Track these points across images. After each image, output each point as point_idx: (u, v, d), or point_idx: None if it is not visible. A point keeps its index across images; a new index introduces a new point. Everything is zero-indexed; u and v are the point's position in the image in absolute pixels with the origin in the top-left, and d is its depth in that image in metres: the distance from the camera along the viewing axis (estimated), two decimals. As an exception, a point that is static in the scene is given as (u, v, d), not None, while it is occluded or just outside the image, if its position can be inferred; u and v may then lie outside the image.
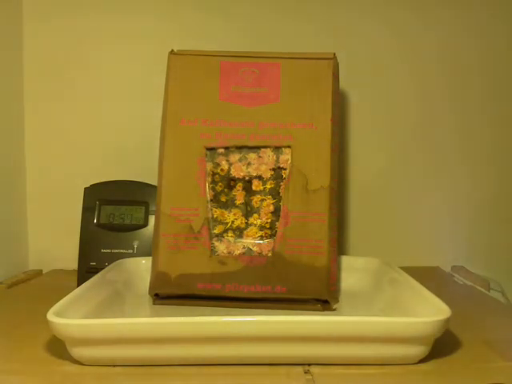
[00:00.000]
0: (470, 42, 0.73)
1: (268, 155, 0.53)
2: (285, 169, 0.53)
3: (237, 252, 0.52)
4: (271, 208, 0.52)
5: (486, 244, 0.74)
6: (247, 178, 0.53)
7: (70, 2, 0.72)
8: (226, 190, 0.53)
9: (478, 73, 0.73)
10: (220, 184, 0.53)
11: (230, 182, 0.53)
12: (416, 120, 0.74)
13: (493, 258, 0.74)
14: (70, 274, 0.67)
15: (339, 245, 0.57)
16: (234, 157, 0.53)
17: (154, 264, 0.52)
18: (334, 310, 0.50)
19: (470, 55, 0.73)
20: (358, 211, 0.74)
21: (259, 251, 0.52)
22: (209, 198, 0.52)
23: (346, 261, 0.60)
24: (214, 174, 0.53)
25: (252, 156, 0.53)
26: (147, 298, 0.53)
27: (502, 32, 0.73)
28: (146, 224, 0.64)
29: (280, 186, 0.53)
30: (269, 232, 0.52)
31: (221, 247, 0.52)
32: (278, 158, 0.53)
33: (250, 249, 0.52)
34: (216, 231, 0.53)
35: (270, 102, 0.54)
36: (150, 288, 0.52)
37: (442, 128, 0.74)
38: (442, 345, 0.41)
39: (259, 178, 0.53)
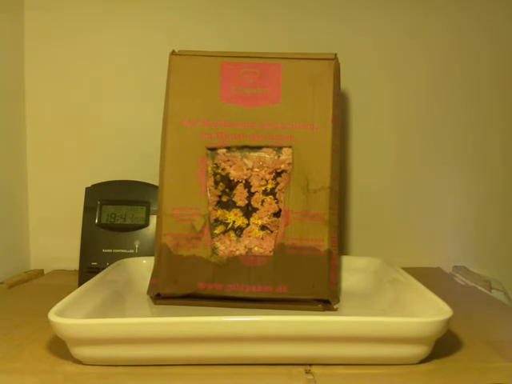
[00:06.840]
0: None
1: (269, 155, 0.53)
2: (285, 169, 0.53)
3: (238, 252, 0.52)
4: (272, 208, 0.52)
5: (487, 244, 0.74)
6: (248, 178, 0.53)
7: (71, 2, 0.72)
8: (227, 190, 0.53)
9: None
10: (221, 184, 0.53)
11: (231, 182, 0.53)
12: (416, 120, 0.74)
13: (494, 257, 0.74)
14: (71, 273, 0.68)
15: (340, 245, 0.57)
16: (235, 157, 0.53)
17: (156, 264, 0.52)
18: (335, 309, 0.50)
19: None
20: (360, 211, 0.74)
21: (260, 251, 0.52)
22: (210, 198, 0.52)
23: (347, 261, 0.60)
24: (215, 174, 0.53)
25: (253, 156, 0.53)
26: (148, 298, 0.53)
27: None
28: (147, 224, 0.64)
29: (280, 186, 0.53)
30: (270, 232, 0.52)
31: (222, 247, 0.52)
32: (278, 158, 0.53)
33: (251, 249, 0.52)
34: (217, 231, 0.53)
35: (271, 102, 0.54)
36: (151, 288, 0.52)
37: (441, 129, 0.74)
38: (444, 345, 0.41)
39: (260, 178, 0.53)
